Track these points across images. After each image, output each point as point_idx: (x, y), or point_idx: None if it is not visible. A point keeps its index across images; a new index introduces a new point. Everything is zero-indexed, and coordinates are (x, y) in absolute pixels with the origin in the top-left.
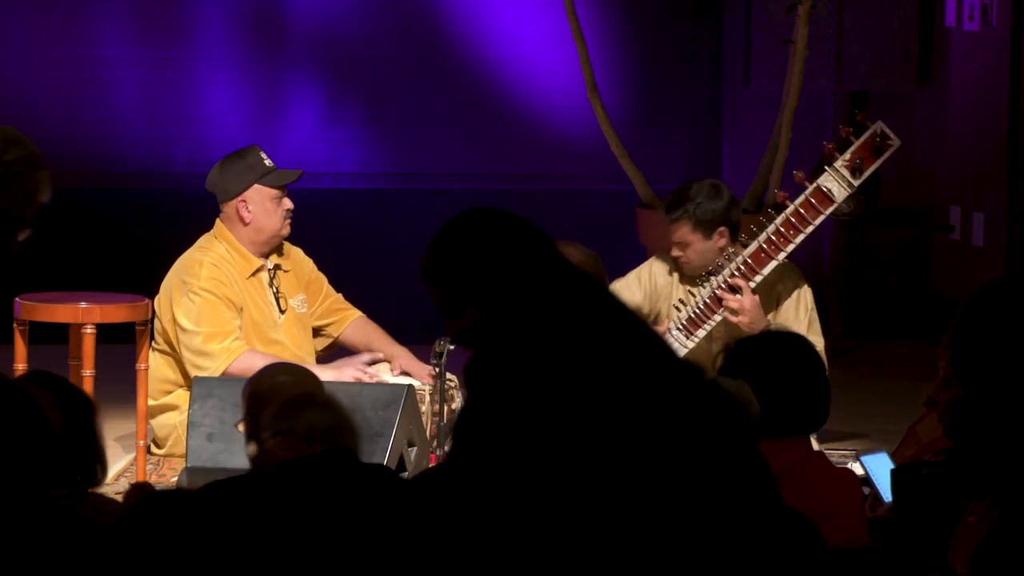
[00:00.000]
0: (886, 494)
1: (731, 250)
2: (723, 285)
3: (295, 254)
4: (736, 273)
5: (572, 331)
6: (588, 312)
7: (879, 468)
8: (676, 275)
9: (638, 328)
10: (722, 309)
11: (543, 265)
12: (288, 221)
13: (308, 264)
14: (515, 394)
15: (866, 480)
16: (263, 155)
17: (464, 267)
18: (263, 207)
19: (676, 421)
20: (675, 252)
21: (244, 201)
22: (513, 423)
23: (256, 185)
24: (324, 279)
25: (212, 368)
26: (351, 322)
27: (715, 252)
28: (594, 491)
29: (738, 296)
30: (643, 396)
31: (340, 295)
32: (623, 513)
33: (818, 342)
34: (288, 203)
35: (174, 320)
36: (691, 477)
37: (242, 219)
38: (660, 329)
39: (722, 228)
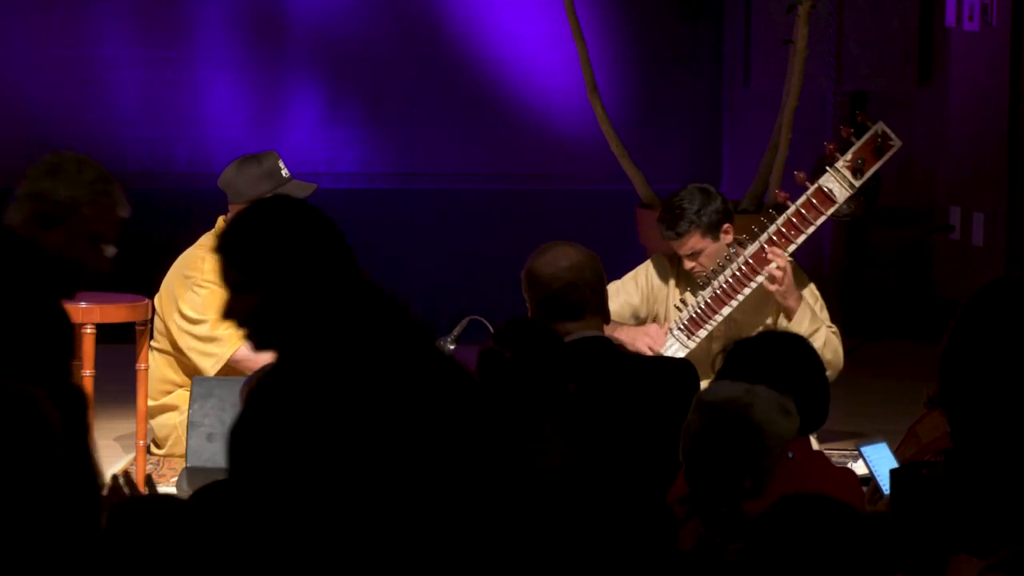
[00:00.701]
0: (886, 485)
1: (732, 250)
2: (747, 263)
3: None
4: (768, 244)
5: (345, 336)
6: (365, 320)
7: (879, 458)
8: (674, 276)
9: (412, 341)
10: (724, 308)
11: (334, 268)
12: None
13: None
14: (283, 392)
15: (866, 478)
16: (281, 164)
17: (259, 252)
18: None
19: (433, 425)
20: (688, 264)
21: None
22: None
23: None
24: None
25: (220, 353)
26: None
27: (724, 250)
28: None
29: (778, 264)
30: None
31: None
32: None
33: (832, 326)
34: None
35: (180, 314)
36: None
37: None
38: (661, 331)
39: (726, 225)
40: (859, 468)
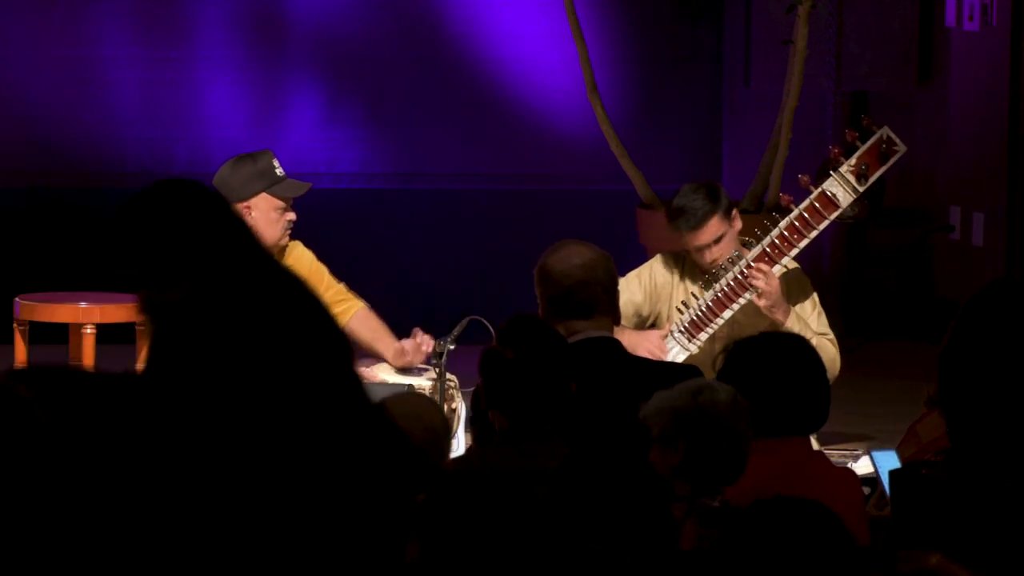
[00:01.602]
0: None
1: (735, 253)
2: (748, 267)
3: (295, 250)
4: (771, 248)
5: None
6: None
7: (887, 466)
8: (677, 274)
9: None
10: (726, 312)
11: (252, 247)
12: (288, 232)
13: (307, 257)
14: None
15: (872, 480)
16: (276, 163)
17: (182, 238)
18: (267, 216)
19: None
20: (714, 254)
21: (248, 207)
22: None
23: (264, 193)
24: (324, 269)
25: None
26: (354, 314)
27: (736, 237)
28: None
29: (763, 277)
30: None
31: (342, 285)
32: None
33: (828, 333)
34: (292, 215)
35: None
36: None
37: None
38: (662, 332)
39: (734, 210)
40: (859, 468)
